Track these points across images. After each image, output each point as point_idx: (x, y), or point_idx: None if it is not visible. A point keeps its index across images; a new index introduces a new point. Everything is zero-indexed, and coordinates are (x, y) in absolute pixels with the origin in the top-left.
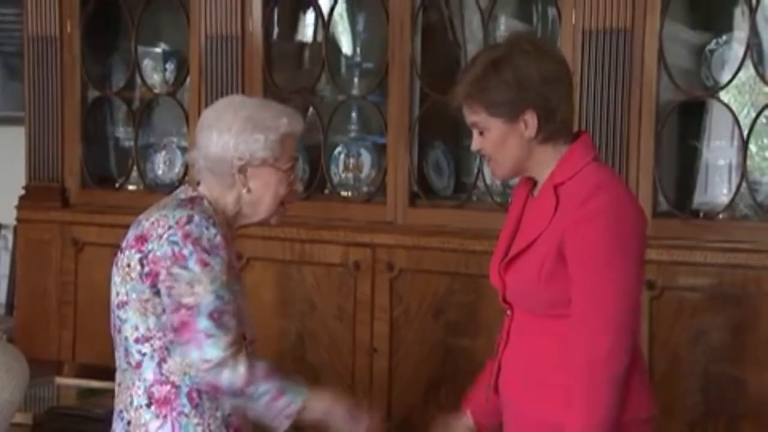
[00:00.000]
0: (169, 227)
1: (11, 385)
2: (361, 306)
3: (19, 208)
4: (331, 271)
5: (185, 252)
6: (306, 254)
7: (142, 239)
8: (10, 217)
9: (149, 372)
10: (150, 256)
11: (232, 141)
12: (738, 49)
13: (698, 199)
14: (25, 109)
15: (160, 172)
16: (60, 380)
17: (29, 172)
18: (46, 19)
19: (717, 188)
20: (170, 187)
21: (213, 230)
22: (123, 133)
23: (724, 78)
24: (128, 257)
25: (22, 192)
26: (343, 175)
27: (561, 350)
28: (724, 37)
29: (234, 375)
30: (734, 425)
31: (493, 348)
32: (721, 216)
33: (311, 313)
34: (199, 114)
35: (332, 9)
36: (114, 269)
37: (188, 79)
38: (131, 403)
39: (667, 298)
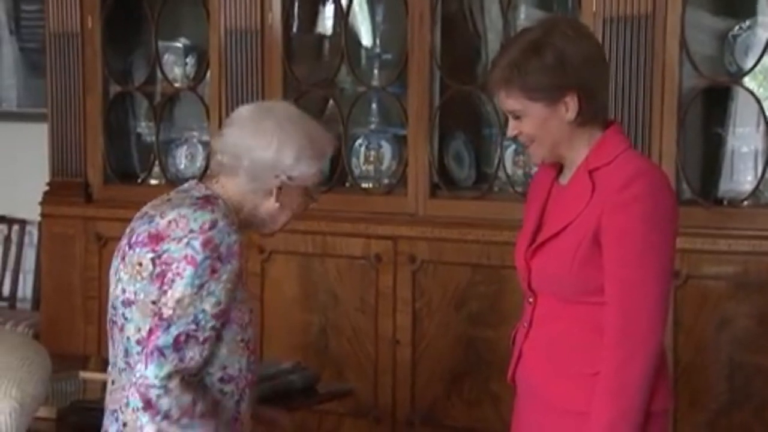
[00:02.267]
0: (191, 230)
1: (34, 379)
2: (383, 298)
3: (43, 203)
4: (353, 263)
5: (198, 258)
6: (328, 247)
7: (157, 238)
8: (34, 213)
9: (134, 374)
10: (164, 256)
11: (291, 158)
12: (762, 34)
13: (723, 186)
14: (47, 105)
15: (182, 166)
16: (85, 374)
17: (52, 167)
18: (67, 15)
19: (742, 175)
20: None
21: (234, 236)
22: (145, 128)
23: (748, 64)
24: (139, 255)
25: (46, 188)
26: (363, 167)
27: (590, 337)
28: (748, 23)
29: (175, 403)
30: (760, 414)
31: None
32: (745, 203)
33: (334, 305)
34: (220, 108)
35: (351, 1)
36: (119, 264)
37: (208, 74)
38: (127, 404)
39: (691, 286)
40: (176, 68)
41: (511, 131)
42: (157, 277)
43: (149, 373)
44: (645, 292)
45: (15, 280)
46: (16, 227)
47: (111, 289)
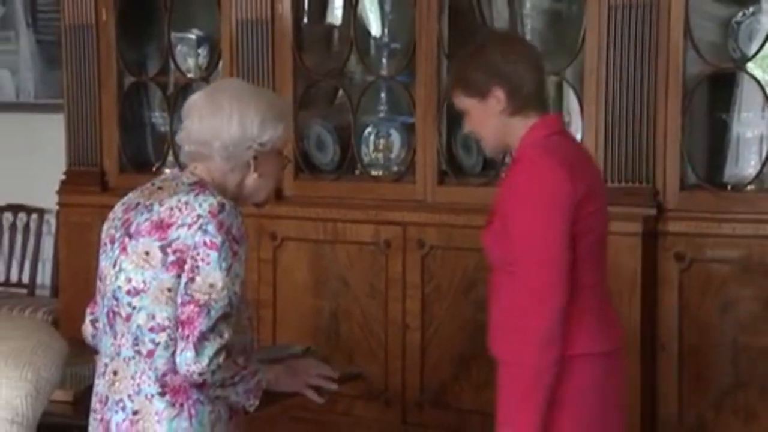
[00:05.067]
0: (199, 216)
1: (49, 363)
2: (392, 283)
3: (60, 192)
4: (363, 249)
5: (217, 241)
6: (338, 233)
7: (161, 227)
8: (52, 202)
9: (162, 361)
10: (174, 244)
11: (256, 127)
12: (765, 21)
13: (728, 171)
14: (63, 96)
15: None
16: None
17: (69, 157)
18: (82, 7)
19: (746, 160)
20: None
21: (240, 217)
22: (158, 117)
23: (752, 50)
24: (144, 244)
25: (63, 177)
26: (373, 155)
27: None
28: (752, 9)
29: (224, 374)
30: (764, 394)
31: None
32: (749, 188)
33: (344, 291)
34: None
35: None
36: (118, 254)
37: (220, 64)
38: (138, 392)
39: (696, 270)
40: (189, 59)
41: (465, 128)
42: (172, 265)
43: (201, 358)
44: (529, 267)
45: (34, 267)
46: (34, 216)
47: (108, 281)
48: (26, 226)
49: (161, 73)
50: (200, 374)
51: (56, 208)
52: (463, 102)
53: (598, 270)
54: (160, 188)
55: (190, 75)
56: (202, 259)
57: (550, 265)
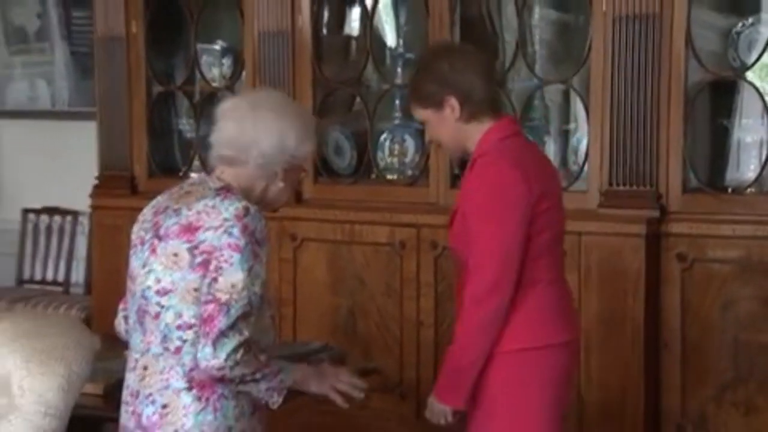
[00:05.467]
0: (225, 219)
1: (80, 358)
2: (407, 282)
3: (92, 196)
4: (378, 250)
5: (241, 244)
6: (355, 235)
7: (189, 229)
8: (85, 204)
9: (188, 357)
10: (202, 246)
11: (294, 142)
12: (764, 31)
13: (730, 175)
14: (96, 104)
15: None
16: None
17: (101, 162)
18: (113, 20)
19: (746, 164)
20: None
21: (264, 221)
22: (185, 124)
23: (751, 59)
24: (174, 246)
25: (95, 181)
26: (388, 160)
27: None
28: (751, 20)
29: (245, 367)
30: (763, 389)
31: None
32: (748, 191)
33: (361, 289)
34: None
35: (376, 3)
36: (148, 255)
37: (244, 73)
38: (167, 387)
39: (697, 269)
40: (214, 69)
41: (426, 138)
42: (199, 266)
43: (220, 353)
44: (483, 254)
45: (68, 266)
46: (69, 218)
47: (138, 281)
48: (61, 228)
49: (188, 83)
50: (218, 369)
51: (89, 210)
52: (421, 113)
53: (556, 266)
54: (188, 192)
55: (215, 84)
56: (226, 260)
57: (502, 261)
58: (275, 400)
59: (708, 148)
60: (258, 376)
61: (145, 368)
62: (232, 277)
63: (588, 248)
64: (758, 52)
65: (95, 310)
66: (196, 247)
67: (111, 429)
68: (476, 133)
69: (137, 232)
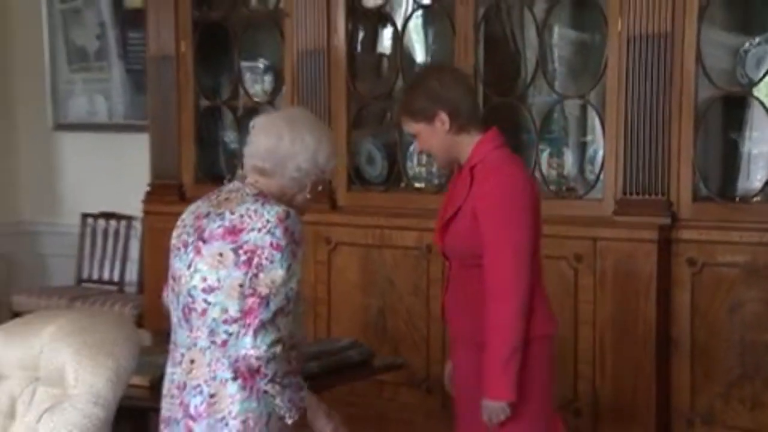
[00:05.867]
0: (267, 221)
1: (127, 353)
2: (433, 283)
3: (145, 202)
4: (407, 253)
5: (282, 243)
6: (386, 239)
7: (233, 231)
8: (138, 210)
9: (234, 349)
10: (245, 246)
11: (325, 158)
12: None
13: (738, 185)
14: (148, 118)
15: None
16: None
17: (152, 171)
18: (164, 41)
19: (754, 175)
20: None
21: (300, 224)
22: (230, 136)
23: (758, 76)
24: (219, 247)
25: (147, 189)
26: (417, 169)
27: (478, 286)
28: (758, 39)
29: (278, 367)
30: None
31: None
32: (755, 199)
33: (390, 290)
34: None
35: (406, 24)
36: (193, 257)
37: (284, 89)
38: (214, 377)
39: (706, 273)
40: (256, 85)
41: (417, 149)
42: (244, 264)
43: (259, 343)
44: (503, 257)
45: (123, 267)
46: (123, 222)
47: (183, 281)
48: (116, 232)
49: (232, 98)
50: (257, 359)
51: (142, 215)
52: (413, 127)
53: (540, 265)
54: (227, 199)
55: (256, 99)
56: (267, 258)
57: (520, 256)
58: (292, 415)
59: (717, 160)
60: (286, 381)
61: (192, 362)
62: (273, 273)
63: (603, 253)
64: (765, 69)
65: (146, 308)
66: (240, 247)
67: (155, 419)
68: (467, 144)
69: (178, 236)
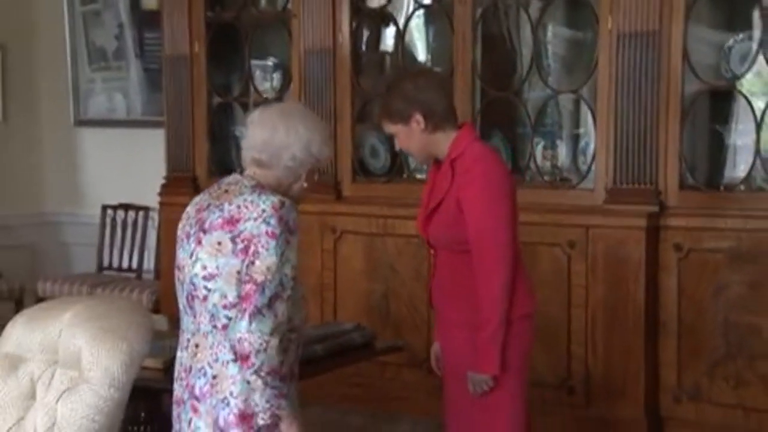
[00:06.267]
0: (263, 211)
1: (140, 338)
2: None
3: (161, 194)
4: (409, 241)
5: (277, 231)
6: (388, 228)
7: (231, 221)
8: (154, 201)
9: (233, 332)
10: (242, 234)
11: (318, 148)
12: (754, 45)
13: (723, 174)
14: (164, 114)
15: None
16: None
17: (168, 164)
18: (178, 41)
19: (738, 165)
20: None
21: (295, 213)
22: (241, 131)
23: (741, 71)
24: (217, 237)
25: (163, 181)
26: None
27: (467, 272)
28: (741, 35)
29: (267, 360)
30: (751, 364)
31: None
32: (739, 188)
33: (393, 276)
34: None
35: (407, 23)
36: (194, 247)
37: (291, 86)
38: (216, 360)
39: (692, 258)
40: (265, 82)
41: (397, 147)
42: (241, 252)
43: (254, 328)
44: (488, 239)
45: (141, 255)
46: (141, 213)
47: (186, 270)
48: (134, 222)
49: (243, 95)
50: (249, 344)
51: (158, 206)
52: (391, 128)
53: (519, 248)
54: (226, 191)
55: (266, 96)
56: (262, 246)
57: (505, 237)
58: (264, 417)
59: (703, 151)
60: (270, 380)
61: (197, 346)
62: (268, 260)
63: (594, 240)
64: (749, 64)
65: (163, 293)
66: (237, 236)
67: (168, 399)
68: (444, 141)
69: (182, 228)
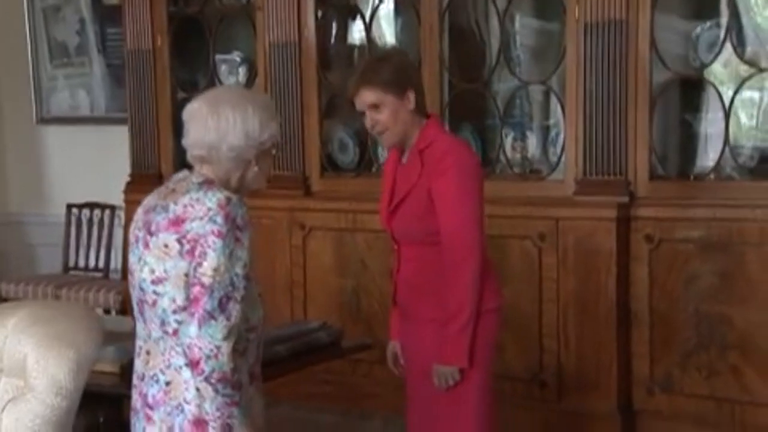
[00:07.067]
0: (209, 209)
1: (89, 342)
2: None
3: (125, 192)
4: (379, 236)
5: (223, 230)
6: (358, 223)
7: (177, 222)
8: (120, 199)
9: (184, 336)
10: (188, 235)
11: (257, 129)
12: (721, 33)
13: (692, 164)
14: (127, 110)
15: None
16: None
17: (132, 161)
18: (140, 35)
19: (708, 154)
20: None
21: (244, 208)
22: None
23: (709, 59)
24: (163, 239)
25: (128, 179)
26: (386, 154)
27: (435, 266)
28: (709, 23)
29: (218, 367)
30: (722, 355)
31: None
32: (708, 178)
33: (364, 272)
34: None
35: (373, 14)
36: (142, 250)
37: (257, 80)
38: (168, 366)
39: (663, 249)
40: (231, 77)
41: (369, 122)
42: (187, 253)
43: (203, 333)
44: (460, 229)
45: (107, 255)
46: (107, 211)
47: (136, 275)
48: (101, 220)
49: (208, 90)
50: (199, 349)
51: (124, 204)
52: (380, 97)
53: (486, 240)
54: (173, 190)
55: None
56: (209, 246)
57: (475, 228)
58: (215, 427)
59: (672, 141)
60: (221, 387)
61: (148, 353)
62: (215, 261)
63: (564, 231)
64: (716, 53)
65: (128, 296)
66: (183, 237)
67: (128, 404)
68: (416, 127)
69: (132, 231)
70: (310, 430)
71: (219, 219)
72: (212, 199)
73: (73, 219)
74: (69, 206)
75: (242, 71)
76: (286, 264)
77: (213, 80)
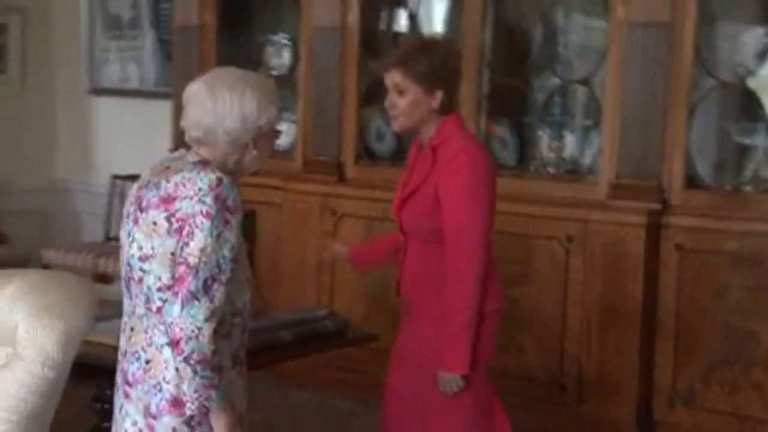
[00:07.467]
0: (199, 189)
1: (80, 313)
2: None
3: None
4: None
5: (212, 211)
6: (387, 211)
7: (167, 200)
8: None
9: (167, 316)
10: (178, 214)
11: (255, 112)
12: None
13: (729, 174)
14: (172, 86)
15: (279, 140)
16: None
17: (174, 136)
18: (189, 11)
19: (745, 166)
20: (286, 152)
21: (236, 191)
22: None
23: (756, 68)
24: (153, 216)
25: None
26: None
27: (439, 263)
28: (761, 30)
29: (198, 348)
30: (747, 371)
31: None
32: (744, 190)
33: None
34: (307, 92)
35: (418, 5)
36: (132, 226)
37: (300, 64)
38: (150, 344)
39: (693, 259)
40: (275, 58)
41: (388, 102)
42: (175, 232)
43: (185, 314)
44: (467, 230)
45: None
46: None
47: (125, 250)
48: None
49: (253, 70)
50: (180, 329)
51: None
52: (408, 85)
53: (492, 241)
54: (167, 168)
55: (275, 72)
56: (197, 226)
57: (482, 230)
58: (192, 409)
59: (711, 149)
60: (200, 369)
61: (132, 329)
62: (202, 242)
63: (593, 235)
64: (763, 61)
65: None
66: (172, 215)
67: None
68: (434, 123)
69: (126, 207)
70: (328, 416)
71: (208, 200)
72: (204, 180)
73: (117, 190)
74: (114, 177)
75: (287, 54)
76: (315, 249)
77: (259, 61)
